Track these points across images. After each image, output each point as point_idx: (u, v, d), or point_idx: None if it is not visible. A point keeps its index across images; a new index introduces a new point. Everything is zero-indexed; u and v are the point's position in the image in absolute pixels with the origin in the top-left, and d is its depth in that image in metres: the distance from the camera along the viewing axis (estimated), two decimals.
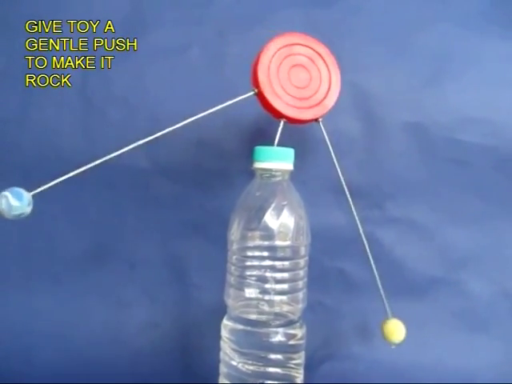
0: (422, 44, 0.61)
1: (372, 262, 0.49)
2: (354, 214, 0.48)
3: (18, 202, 0.36)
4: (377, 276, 0.49)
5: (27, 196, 0.37)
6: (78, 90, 0.61)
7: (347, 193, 0.48)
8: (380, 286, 0.50)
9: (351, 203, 0.48)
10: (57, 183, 0.39)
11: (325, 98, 0.47)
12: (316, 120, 0.46)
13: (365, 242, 0.48)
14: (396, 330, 0.51)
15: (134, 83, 0.60)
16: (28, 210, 0.37)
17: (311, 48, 0.46)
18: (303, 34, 0.46)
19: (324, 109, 0.46)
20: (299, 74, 0.45)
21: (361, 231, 0.48)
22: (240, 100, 0.42)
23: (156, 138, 0.43)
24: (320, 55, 0.47)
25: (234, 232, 0.45)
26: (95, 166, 0.43)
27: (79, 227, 0.63)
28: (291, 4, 0.61)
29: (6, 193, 0.36)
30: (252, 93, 0.42)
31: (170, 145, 0.60)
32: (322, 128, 0.47)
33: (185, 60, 0.60)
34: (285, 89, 0.44)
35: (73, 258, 0.63)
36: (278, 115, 0.44)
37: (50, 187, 0.39)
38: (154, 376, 0.58)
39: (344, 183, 0.48)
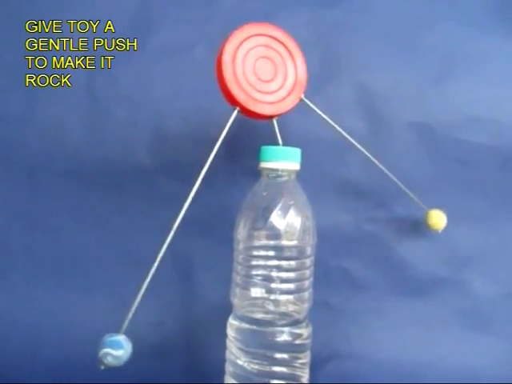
0: (428, 43, 0.61)
1: None
2: None
3: (121, 350, 0.37)
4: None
5: (124, 339, 0.37)
6: (84, 89, 0.61)
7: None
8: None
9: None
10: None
11: (286, 96, 0.45)
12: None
13: None
14: (440, 218, 0.57)
15: (139, 82, 0.60)
16: (130, 351, 0.38)
17: (277, 40, 0.45)
18: (267, 24, 0.45)
19: (283, 108, 0.45)
20: (264, 66, 0.44)
21: None
22: None
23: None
24: (285, 46, 0.46)
25: (241, 231, 0.45)
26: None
27: (84, 225, 0.63)
28: (297, 3, 0.61)
29: (107, 350, 0.36)
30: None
31: (176, 144, 0.60)
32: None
33: (190, 59, 0.60)
34: (246, 77, 0.43)
35: (78, 256, 0.63)
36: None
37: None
38: (159, 374, 0.58)
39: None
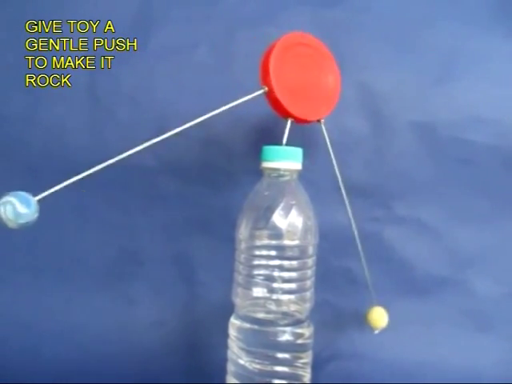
0: (430, 43, 0.60)
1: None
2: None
3: (25, 208, 0.32)
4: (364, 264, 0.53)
5: (35, 202, 0.33)
6: (85, 89, 0.61)
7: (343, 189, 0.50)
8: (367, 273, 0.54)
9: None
10: (62, 186, 0.37)
11: (328, 98, 0.47)
12: (318, 121, 0.47)
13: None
14: (381, 317, 0.56)
15: (141, 82, 0.60)
16: (34, 218, 0.33)
17: (315, 48, 0.47)
18: (308, 34, 0.46)
19: (328, 110, 0.47)
20: (305, 74, 0.45)
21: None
22: (249, 99, 0.42)
23: (164, 136, 0.43)
24: (322, 55, 0.48)
25: (243, 231, 0.45)
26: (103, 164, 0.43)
27: (87, 226, 0.63)
28: (299, 2, 0.61)
29: (12, 198, 0.31)
30: (261, 91, 0.42)
31: (178, 144, 0.60)
32: (324, 128, 0.47)
33: (193, 58, 0.60)
34: (293, 88, 0.44)
35: (80, 256, 0.63)
36: (286, 114, 0.44)
37: (55, 190, 0.37)
38: (161, 374, 0.58)
39: (340, 181, 0.50)
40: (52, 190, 0.36)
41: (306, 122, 0.46)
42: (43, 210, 0.63)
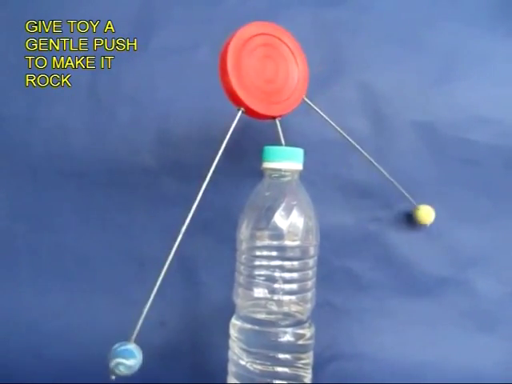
0: (431, 43, 0.60)
1: None
2: None
3: (133, 360, 0.36)
4: None
5: (135, 348, 0.37)
6: (87, 89, 0.61)
7: None
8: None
9: None
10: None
11: (290, 96, 0.46)
12: (274, 117, 0.46)
13: None
14: (429, 213, 0.59)
15: (142, 82, 0.60)
16: (141, 358, 0.37)
17: (281, 39, 0.45)
18: (272, 23, 0.45)
19: (286, 109, 0.45)
20: (267, 66, 0.44)
21: None
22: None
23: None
24: (288, 47, 0.46)
25: (244, 231, 0.45)
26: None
27: (88, 225, 0.63)
28: (300, 3, 0.61)
29: (119, 359, 0.36)
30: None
31: (180, 144, 0.60)
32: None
33: (194, 59, 0.60)
34: (251, 77, 0.43)
35: (82, 257, 0.63)
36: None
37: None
38: (161, 374, 0.58)
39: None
40: None
41: (259, 115, 0.44)
42: (45, 211, 0.63)
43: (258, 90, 0.43)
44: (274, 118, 0.45)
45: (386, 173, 0.55)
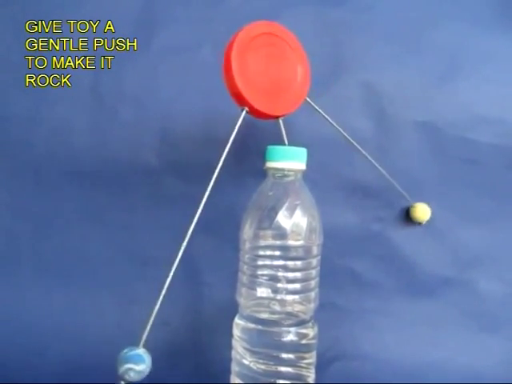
0: (434, 42, 0.60)
1: None
2: None
3: (143, 365, 0.36)
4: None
5: (144, 352, 0.36)
6: (88, 89, 0.61)
7: None
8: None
9: None
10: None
11: (293, 96, 0.46)
12: (278, 117, 0.46)
13: None
14: (425, 211, 0.60)
15: (145, 82, 0.60)
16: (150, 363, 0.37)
17: (283, 39, 0.45)
18: (276, 23, 0.45)
19: (289, 109, 0.46)
20: (271, 66, 0.44)
21: None
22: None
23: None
24: (291, 47, 0.46)
25: (247, 231, 0.45)
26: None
27: (90, 225, 0.63)
28: (302, 2, 0.61)
29: (129, 365, 0.35)
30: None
31: (182, 144, 0.60)
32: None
33: (196, 59, 0.60)
34: (254, 77, 0.42)
35: (84, 256, 0.63)
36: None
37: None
38: (165, 374, 0.58)
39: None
40: None
41: (263, 115, 0.44)
42: (48, 210, 0.63)
43: (261, 90, 0.43)
44: (277, 117, 0.46)
45: (384, 172, 0.55)
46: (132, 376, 0.35)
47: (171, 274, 0.40)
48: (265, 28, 0.44)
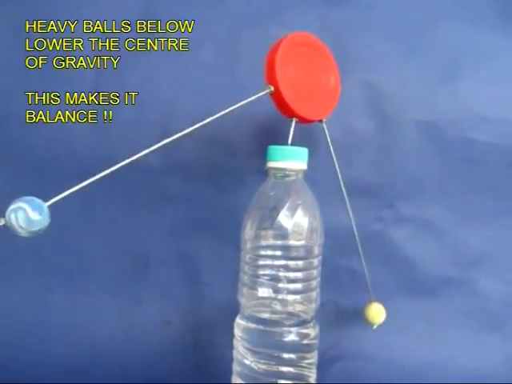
0: (435, 42, 0.60)
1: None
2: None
3: (38, 215, 0.30)
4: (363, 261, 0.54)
5: (46, 208, 0.31)
6: (91, 88, 0.61)
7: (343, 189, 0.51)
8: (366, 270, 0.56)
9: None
10: (72, 191, 0.36)
11: (330, 99, 0.48)
12: (321, 120, 0.48)
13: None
14: (379, 313, 0.57)
15: (146, 82, 0.60)
16: (46, 225, 0.31)
17: (317, 49, 0.47)
18: (310, 34, 0.47)
19: (329, 110, 0.48)
20: (308, 74, 0.45)
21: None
22: (254, 99, 0.42)
23: (168, 137, 0.43)
24: (324, 56, 0.48)
25: (248, 231, 0.45)
26: (108, 164, 0.43)
27: (92, 225, 0.63)
28: (304, 2, 0.60)
29: (23, 204, 0.29)
30: (268, 91, 0.42)
31: (183, 143, 0.60)
32: (325, 128, 0.48)
33: (197, 58, 0.60)
34: (297, 88, 0.44)
35: (85, 256, 0.63)
36: (291, 114, 0.44)
37: (63, 194, 0.36)
38: (165, 373, 0.58)
39: (341, 181, 0.52)
40: (61, 195, 0.35)
41: (310, 121, 0.46)
42: (50, 211, 0.63)
43: (304, 98, 0.44)
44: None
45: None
46: (19, 218, 0.29)
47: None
48: (301, 39, 0.45)
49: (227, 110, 0.41)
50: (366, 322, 0.58)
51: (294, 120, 0.44)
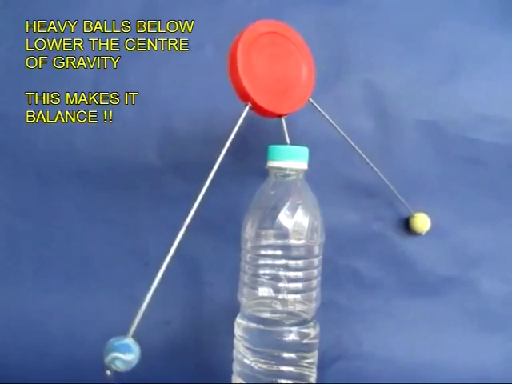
0: (436, 42, 0.60)
1: None
2: None
3: (131, 355, 0.34)
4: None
5: (132, 342, 0.35)
6: (91, 88, 0.61)
7: None
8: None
9: None
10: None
11: (300, 93, 0.46)
12: (281, 116, 0.46)
13: None
14: (425, 221, 0.59)
15: (147, 82, 0.60)
16: (139, 354, 0.35)
17: (288, 38, 0.45)
18: (281, 22, 0.45)
19: (296, 105, 0.46)
20: (274, 64, 0.44)
21: None
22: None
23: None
24: (296, 46, 0.46)
25: (248, 231, 0.45)
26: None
27: (92, 225, 0.63)
28: (304, 2, 0.61)
29: (116, 354, 0.34)
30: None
31: (184, 143, 0.60)
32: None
33: (198, 58, 0.60)
34: (259, 73, 0.42)
35: (86, 256, 0.63)
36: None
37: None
38: (166, 373, 0.58)
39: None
40: None
41: (268, 113, 0.44)
42: (49, 210, 0.63)
43: (266, 87, 0.43)
44: (280, 116, 0.46)
45: (385, 178, 0.55)
46: (119, 365, 0.34)
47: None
48: (270, 27, 0.44)
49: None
50: (414, 233, 0.60)
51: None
